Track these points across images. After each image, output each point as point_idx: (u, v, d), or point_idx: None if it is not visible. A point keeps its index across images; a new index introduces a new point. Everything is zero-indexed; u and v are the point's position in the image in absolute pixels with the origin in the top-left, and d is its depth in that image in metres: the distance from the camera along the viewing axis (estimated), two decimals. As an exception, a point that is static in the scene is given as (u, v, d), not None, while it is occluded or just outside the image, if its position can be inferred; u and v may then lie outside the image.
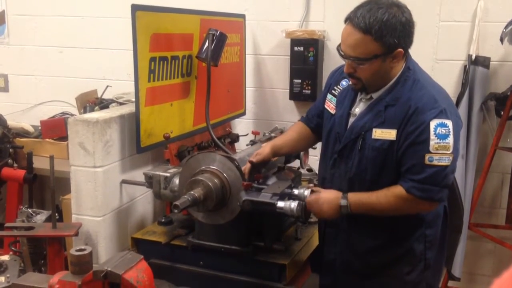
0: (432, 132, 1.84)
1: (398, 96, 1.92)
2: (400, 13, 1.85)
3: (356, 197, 1.96)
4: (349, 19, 1.89)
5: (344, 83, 2.12)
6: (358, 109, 2.04)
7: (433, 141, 1.83)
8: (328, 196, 1.99)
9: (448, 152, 1.85)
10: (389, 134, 1.92)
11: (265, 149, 2.18)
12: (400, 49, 1.87)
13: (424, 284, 2.08)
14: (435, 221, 2.07)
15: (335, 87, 2.15)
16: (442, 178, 1.88)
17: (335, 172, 2.09)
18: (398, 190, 1.91)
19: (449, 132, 1.84)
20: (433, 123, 1.84)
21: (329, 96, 2.17)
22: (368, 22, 1.82)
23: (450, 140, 1.84)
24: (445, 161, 1.85)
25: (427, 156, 1.84)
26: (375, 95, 1.99)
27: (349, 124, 2.04)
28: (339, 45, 1.94)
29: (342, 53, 1.92)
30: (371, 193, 1.94)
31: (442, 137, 1.84)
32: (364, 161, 1.98)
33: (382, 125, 1.93)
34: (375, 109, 1.97)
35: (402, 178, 1.92)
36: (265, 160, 2.16)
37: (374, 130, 1.95)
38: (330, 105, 2.15)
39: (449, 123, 1.85)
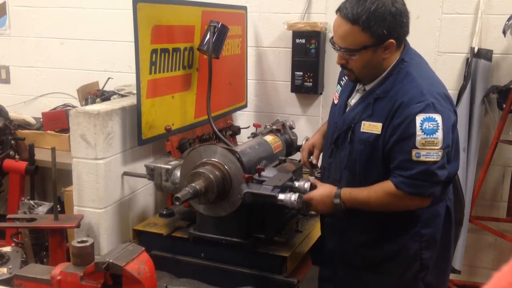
0: (418, 127, 1.79)
1: (388, 89, 1.90)
2: (390, 2, 1.80)
3: (348, 193, 1.95)
4: (338, 10, 1.87)
5: None
6: (353, 100, 2.04)
7: (420, 137, 1.79)
8: (322, 194, 1.99)
9: (437, 148, 1.80)
10: (375, 127, 1.89)
11: (319, 140, 2.30)
12: (392, 40, 1.84)
13: (421, 285, 2.03)
14: (432, 220, 2.02)
15: (343, 78, 2.15)
16: (432, 174, 1.83)
17: (332, 161, 2.11)
18: (387, 185, 1.88)
19: (438, 126, 1.79)
20: (419, 118, 1.79)
21: (337, 86, 2.18)
22: (356, 13, 1.79)
23: (439, 135, 1.79)
24: (433, 156, 1.80)
25: (414, 152, 1.80)
26: (368, 87, 1.98)
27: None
28: (332, 37, 1.93)
29: (335, 46, 1.91)
30: (363, 189, 1.93)
31: (429, 132, 1.79)
32: (354, 154, 1.98)
33: (370, 118, 1.92)
34: (366, 101, 1.95)
35: (392, 173, 1.89)
36: (321, 151, 2.27)
37: (363, 123, 1.93)
38: (336, 95, 2.16)
39: (437, 117, 1.79)
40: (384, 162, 1.91)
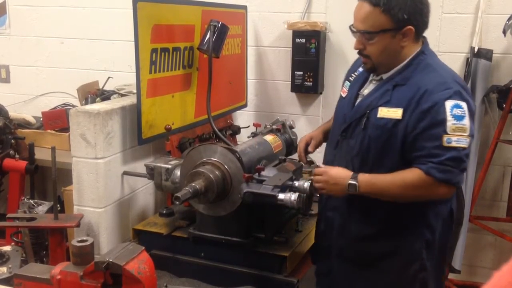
0: (448, 113, 1.79)
1: (408, 77, 1.90)
2: None
3: (367, 177, 1.90)
4: None
5: (360, 69, 2.11)
6: (367, 90, 2.04)
7: (450, 122, 1.79)
8: (337, 172, 1.96)
9: (466, 134, 1.80)
10: (395, 113, 1.88)
11: (318, 134, 2.31)
12: (410, 27, 1.86)
13: (418, 286, 2.01)
14: (436, 221, 2.00)
15: (352, 74, 2.16)
16: (461, 161, 1.82)
17: (337, 153, 2.08)
18: (415, 172, 1.84)
19: (465, 113, 1.80)
20: (448, 104, 1.80)
21: (346, 83, 2.17)
22: None
23: (466, 121, 1.80)
24: (463, 143, 1.80)
25: (445, 138, 1.79)
26: (385, 76, 1.98)
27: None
28: (351, 24, 1.93)
29: (353, 29, 1.92)
30: (386, 175, 1.89)
31: (458, 118, 1.79)
32: (367, 141, 1.95)
33: (388, 103, 1.91)
34: (383, 88, 1.95)
35: (417, 161, 1.85)
36: (319, 145, 2.30)
37: (380, 108, 1.92)
38: (344, 89, 2.16)
39: (463, 105, 1.81)
40: (401, 149, 1.88)
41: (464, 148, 1.81)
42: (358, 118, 1.98)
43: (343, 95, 2.15)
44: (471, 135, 1.83)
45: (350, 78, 2.16)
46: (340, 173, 1.96)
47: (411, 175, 1.85)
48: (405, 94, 1.88)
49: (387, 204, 1.93)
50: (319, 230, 2.25)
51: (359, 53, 1.98)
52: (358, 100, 2.04)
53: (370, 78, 2.05)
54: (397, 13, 1.83)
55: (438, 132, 1.80)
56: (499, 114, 3.18)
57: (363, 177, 1.91)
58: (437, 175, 1.81)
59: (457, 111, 1.79)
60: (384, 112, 1.90)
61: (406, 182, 1.85)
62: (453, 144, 1.79)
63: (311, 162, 2.35)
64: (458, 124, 1.79)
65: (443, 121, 1.79)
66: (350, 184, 1.90)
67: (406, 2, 1.83)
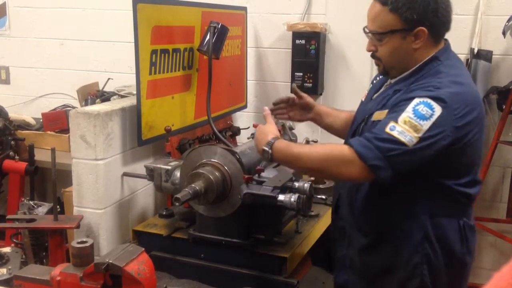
0: (410, 106, 1.63)
1: (410, 84, 1.78)
2: None
3: (285, 144, 1.83)
4: None
5: None
6: (377, 95, 1.97)
7: (406, 114, 1.63)
8: (261, 132, 1.89)
9: (415, 135, 1.61)
10: (382, 114, 1.77)
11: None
12: (422, 28, 1.76)
13: None
14: (438, 235, 1.81)
15: (377, 78, 2.08)
16: (391, 150, 1.62)
17: None
18: (335, 144, 1.79)
19: (431, 117, 1.61)
20: (417, 100, 1.64)
21: (370, 86, 2.10)
22: None
23: (426, 124, 1.61)
24: (405, 137, 1.61)
25: (390, 124, 1.64)
26: (393, 81, 1.90)
27: None
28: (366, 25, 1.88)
29: (366, 30, 1.85)
30: (311, 146, 1.83)
31: (418, 116, 1.61)
32: None
33: (383, 108, 1.81)
34: (386, 93, 1.87)
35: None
36: (308, 102, 2.22)
37: (375, 113, 1.83)
38: (365, 93, 2.09)
39: (437, 109, 1.62)
40: None
41: (403, 144, 1.61)
42: (359, 123, 1.92)
43: (363, 99, 2.07)
44: (423, 140, 1.61)
45: (374, 81, 2.09)
46: (262, 135, 1.87)
47: (334, 144, 1.76)
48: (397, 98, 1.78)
49: (381, 213, 1.85)
50: (333, 240, 2.15)
51: (371, 55, 1.89)
52: None
53: (387, 82, 1.97)
54: (405, 12, 1.74)
55: (388, 120, 1.67)
56: (499, 115, 3.18)
57: (280, 144, 1.81)
58: (353, 143, 1.67)
59: (422, 109, 1.62)
60: (376, 116, 1.81)
61: (322, 149, 1.77)
62: (395, 133, 1.62)
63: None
64: (414, 120, 1.61)
65: (400, 112, 1.65)
66: (263, 150, 1.82)
67: (416, 0, 1.73)
